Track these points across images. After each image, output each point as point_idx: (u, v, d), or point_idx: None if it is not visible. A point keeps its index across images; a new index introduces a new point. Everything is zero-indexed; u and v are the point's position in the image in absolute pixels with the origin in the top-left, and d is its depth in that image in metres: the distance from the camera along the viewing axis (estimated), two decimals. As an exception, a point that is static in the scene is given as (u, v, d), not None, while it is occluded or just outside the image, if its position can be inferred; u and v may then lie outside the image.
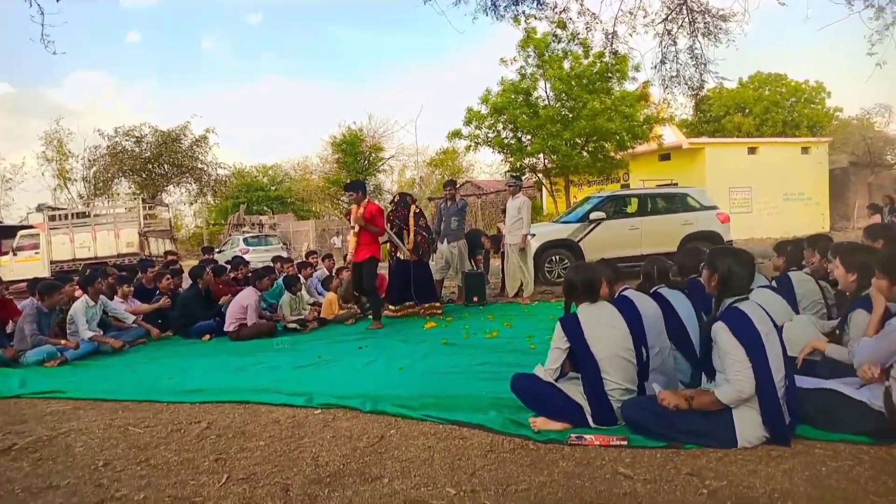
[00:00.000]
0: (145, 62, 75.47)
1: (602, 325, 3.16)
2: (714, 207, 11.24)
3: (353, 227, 7.33)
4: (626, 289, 3.75)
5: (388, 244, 8.14)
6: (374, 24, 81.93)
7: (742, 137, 28.39)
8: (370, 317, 7.43)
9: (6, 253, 17.91)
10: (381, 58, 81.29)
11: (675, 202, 11.36)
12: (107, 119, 70.24)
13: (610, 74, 19.33)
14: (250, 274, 8.14)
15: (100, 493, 2.67)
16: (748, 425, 2.72)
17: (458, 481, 2.60)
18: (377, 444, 3.13)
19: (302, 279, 8.26)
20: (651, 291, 3.91)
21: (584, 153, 20.49)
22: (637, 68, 18.70)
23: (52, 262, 16.48)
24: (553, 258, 10.90)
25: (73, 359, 6.03)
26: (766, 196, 22.08)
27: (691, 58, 9.90)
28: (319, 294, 8.76)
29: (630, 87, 20.04)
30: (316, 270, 9.44)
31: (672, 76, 10.12)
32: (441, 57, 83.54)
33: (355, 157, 29.80)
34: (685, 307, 3.72)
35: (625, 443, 2.89)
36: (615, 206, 11.55)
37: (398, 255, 7.99)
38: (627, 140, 19.04)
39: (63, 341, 6.16)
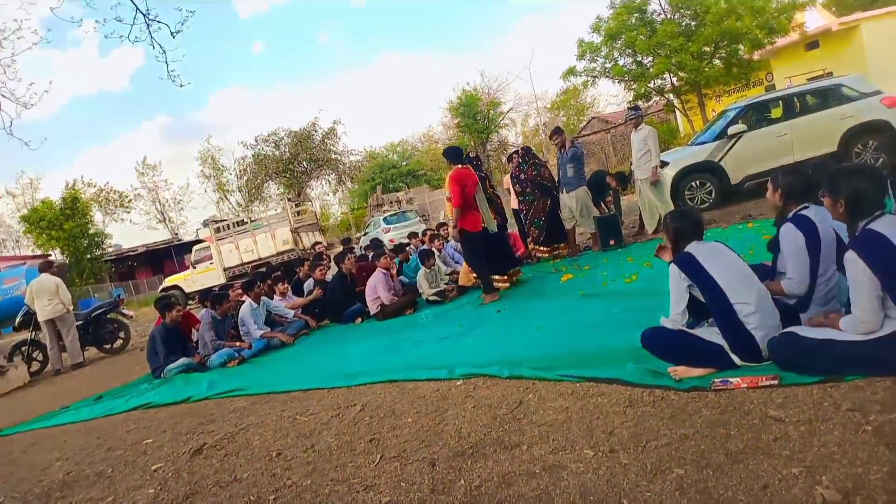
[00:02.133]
0: (271, 67, 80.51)
1: (717, 253, 3.02)
2: (877, 92, 9.76)
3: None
4: (805, 207, 3.27)
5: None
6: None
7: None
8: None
9: (187, 267, 20.31)
10: (485, 12, 79.68)
11: (828, 96, 10.03)
12: (248, 129, 76.34)
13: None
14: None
15: (274, 483, 2.98)
16: (922, 347, 2.41)
17: (595, 442, 2.57)
18: (516, 409, 3.18)
19: (435, 251, 8.48)
20: (795, 214, 3.46)
21: (716, 62, 18.75)
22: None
23: (224, 270, 18.37)
24: (693, 184, 10.20)
25: (249, 357, 6.74)
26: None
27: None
28: (456, 263, 8.97)
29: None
30: (449, 240, 9.65)
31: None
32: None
33: (474, 118, 29.76)
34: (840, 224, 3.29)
35: (775, 382, 2.67)
36: (756, 115, 10.47)
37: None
38: (762, 37, 17.05)
39: (238, 343, 6.91)
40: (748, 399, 2.60)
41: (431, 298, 7.58)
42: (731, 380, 2.77)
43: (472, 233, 6.78)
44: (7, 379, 8.95)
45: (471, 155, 8.02)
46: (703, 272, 2.95)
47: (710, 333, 2.99)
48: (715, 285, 2.91)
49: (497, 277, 7.12)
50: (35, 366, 10.02)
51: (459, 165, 6.87)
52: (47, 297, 9.41)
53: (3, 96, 8.23)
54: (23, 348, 10.07)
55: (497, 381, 3.73)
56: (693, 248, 3.09)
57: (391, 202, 29.08)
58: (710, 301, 2.95)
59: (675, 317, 3.07)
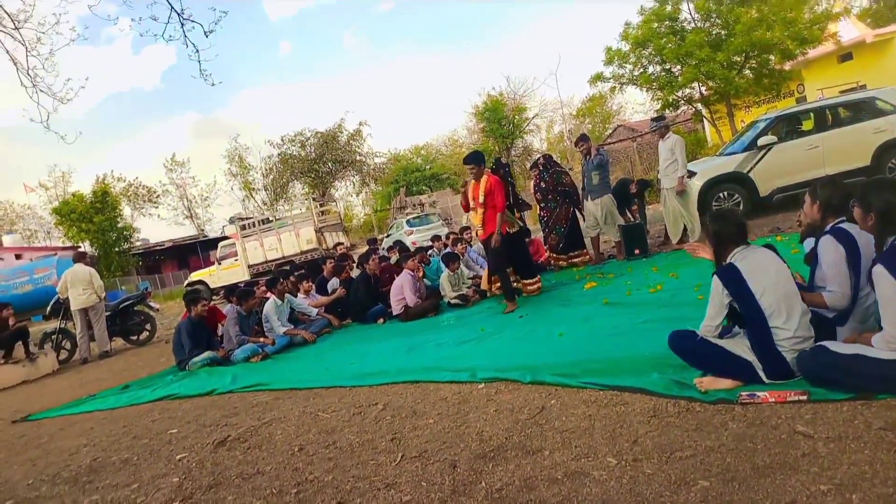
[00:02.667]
0: (299, 68, 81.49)
1: (765, 269, 2.90)
2: (913, 107, 9.59)
3: (472, 204, 6.89)
4: (843, 220, 3.21)
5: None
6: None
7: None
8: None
9: (213, 263, 20.60)
10: (512, 16, 79.82)
11: (861, 109, 9.85)
12: (275, 128, 77.41)
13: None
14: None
15: (296, 477, 3.02)
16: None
17: (619, 450, 2.57)
18: (538, 415, 3.17)
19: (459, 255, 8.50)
20: (833, 226, 3.38)
21: (747, 72, 18.51)
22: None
23: (249, 267, 18.59)
24: (721, 195, 10.07)
25: (273, 353, 6.81)
26: None
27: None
28: (480, 267, 8.97)
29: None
30: (473, 244, 9.67)
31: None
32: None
33: (499, 123, 29.72)
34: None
35: (804, 397, 2.63)
36: (787, 126, 10.31)
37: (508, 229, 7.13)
38: (794, 48, 16.80)
39: (262, 339, 6.99)
40: (776, 413, 2.57)
41: (453, 301, 7.59)
42: (758, 394, 2.74)
43: (503, 235, 6.71)
44: (37, 366, 9.16)
45: (501, 160, 7.98)
46: (745, 289, 2.87)
47: (738, 347, 2.95)
48: (755, 304, 2.84)
49: (527, 282, 7.13)
50: (63, 354, 10.23)
51: (489, 170, 6.82)
52: (82, 286, 9.67)
53: (41, 91, 8.44)
54: (53, 336, 10.31)
55: (519, 386, 3.74)
56: (739, 258, 2.98)
57: (414, 205, 29.16)
58: (747, 318, 2.90)
59: (707, 328, 3.02)
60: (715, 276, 3.00)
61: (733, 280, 2.92)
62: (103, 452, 4.17)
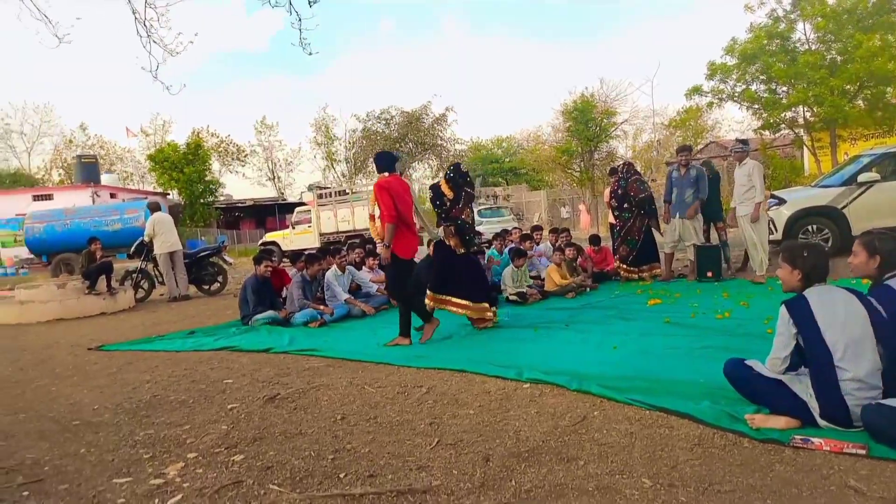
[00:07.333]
0: (394, 47, 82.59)
1: (837, 308, 2.74)
2: None
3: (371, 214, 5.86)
4: (892, 276, 3.07)
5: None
6: (608, -19, 78.59)
7: None
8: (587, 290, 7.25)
9: (287, 226, 21.34)
10: (616, 15, 77.91)
11: (982, 156, 9.11)
12: (363, 102, 78.95)
13: (893, 5, 16.06)
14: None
15: (335, 444, 3.12)
16: None
17: (655, 473, 2.51)
18: (578, 424, 3.14)
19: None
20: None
21: (859, 102, 17.40)
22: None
23: (321, 234, 19.15)
24: (809, 228, 9.55)
25: (330, 322, 7.01)
26: None
27: None
28: (545, 268, 8.90)
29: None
30: (539, 244, 9.59)
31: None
32: (678, 8, 77.07)
33: (586, 125, 29.12)
34: None
35: (863, 452, 2.49)
36: (894, 165, 9.64)
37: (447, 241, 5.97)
38: (915, 82, 15.67)
39: (322, 307, 7.20)
40: (828, 463, 2.45)
41: (512, 298, 7.57)
42: (813, 439, 2.61)
43: (402, 259, 5.56)
44: (116, 300, 9.81)
45: (461, 167, 6.31)
46: (812, 324, 2.74)
47: (796, 384, 2.82)
48: (821, 339, 2.70)
49: (461, 302, 6.03)
50: (140, 293, 10.89)
51: (387, 174, 5.55)
52: (169, 231, 10.44)
53: (154, 42, 8.88)
54: (133, 275, 10.99)
55: (563, 392, 3.70)
56: (813, 292, 2.85)
57: (488, 196, 29.11)
58: (811, 356, 2.77)
59: (773, 361, 2.90)
60: (783, 307, 2.88)
61: (801, 311, 2.79)
62: (163, 391, 4.44)
